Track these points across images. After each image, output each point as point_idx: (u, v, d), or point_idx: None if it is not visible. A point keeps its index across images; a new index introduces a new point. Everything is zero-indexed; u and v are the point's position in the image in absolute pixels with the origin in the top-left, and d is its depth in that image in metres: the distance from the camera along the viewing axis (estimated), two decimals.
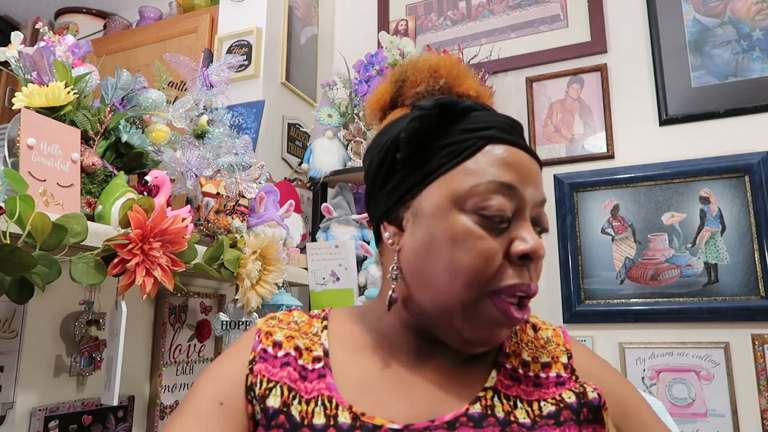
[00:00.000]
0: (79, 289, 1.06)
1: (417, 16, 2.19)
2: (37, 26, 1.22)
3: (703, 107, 1.73)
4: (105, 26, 2.76)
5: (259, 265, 1.23)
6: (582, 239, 1.78)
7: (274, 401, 0.58)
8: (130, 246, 0.90)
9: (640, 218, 1.73)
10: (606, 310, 1.70)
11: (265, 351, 0.64)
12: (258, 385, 0.60)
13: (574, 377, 0.63)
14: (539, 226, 0.61)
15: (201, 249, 1.11)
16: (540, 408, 0.58)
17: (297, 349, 0.64)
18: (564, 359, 0.64)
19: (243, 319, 1.24)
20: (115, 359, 0.96)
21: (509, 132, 0.61)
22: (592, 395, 0.59)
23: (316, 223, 1.77)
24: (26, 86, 1.01)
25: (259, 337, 0.66)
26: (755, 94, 1.67)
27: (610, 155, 1.81)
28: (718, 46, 1.75)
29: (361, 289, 1.51)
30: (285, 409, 0.58)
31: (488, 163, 0.58)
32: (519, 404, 0.59)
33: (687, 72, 1.76)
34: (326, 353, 0.63)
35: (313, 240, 1.72)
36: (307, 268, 1.55)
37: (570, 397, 0.59)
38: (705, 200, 1.67)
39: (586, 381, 0.62)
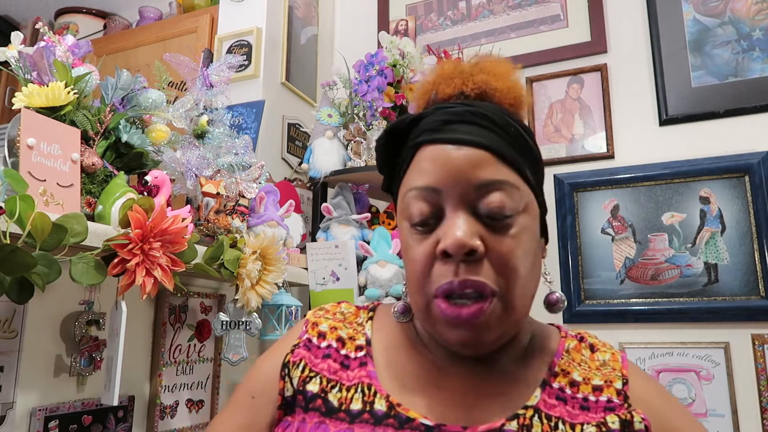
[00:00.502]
0: (79, 289, 1.05)
1: (417, 16, 2.19)
2: (37, 26, 1.22)
3: (703, 107, 1.73)
4: (105, 26, 2.76)
5: (259, 265, 1.23)
6: (582, 239, 1.78)
7: (313, 387, 0.62)
8: (130, 246, 0.90)
9: (640, 218, 1.73)
10: (606, 310, 1.70)
11: (309, 341, 0.67)
12: (298, 368, 0.64)
13: (626, 404, 0.59)
14: (487, 214, 0.56)
15: (201, 249, 1.11)
16: (582, 430, 0.56)
17: (339, 339, 0.67)
18: (618, 384, 0.60)
19: (243, 319, 1.24)
20: (115, 359, 0.96)
21: (440, 129, 0.59)
22: (638, 426, 0.56)
23: (316, 223, 1.77)
24: (26, 86, 1.01)
25: (306, 327, 0.69)
26: (755, 94, 1.67)
27: (610, 155, 1.81)
28: (718, 46, 1.75)
29: (361, 289, 1.51)
30: (323, 395, 0.61)
31: (414, 170, 0.60)
32: (561, 426, 0.56)
33: (687, 72, 1.76)
34: (368, 342, 0.66)
35: (313, 240, 1.72)
36: (307, 268, 1.55)
37: (614, 423, 0.56)
38: (705, 200, 1.67)
39: (636, 410, 0.58)
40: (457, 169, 0.57)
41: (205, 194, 1.26)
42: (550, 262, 1.81)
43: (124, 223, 0.92)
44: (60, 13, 2.79)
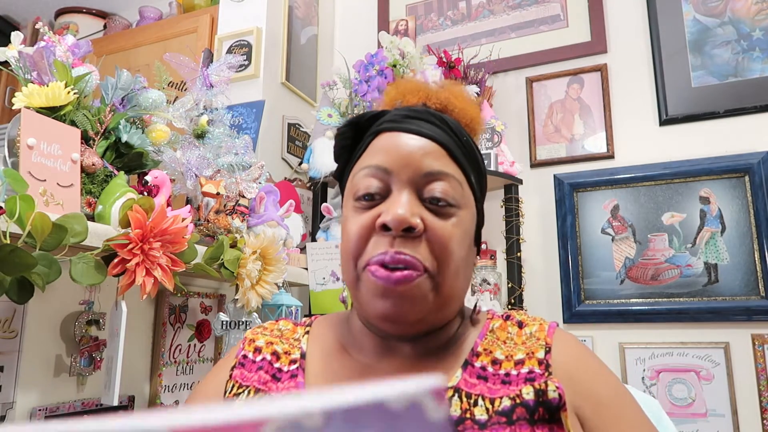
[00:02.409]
0: (79, 289, 1.06)
1: (417, 16, 2.19)
2: (37, 26, 1.22)
3: (703, 107, 1.73)
4: (105, 26, 2.76)
5: (259, 265, 1.23)
6: (582, 239, 1.78)
7: None
8: (130, 246, 0.90)
9: (640, 218, 1.73)
10: (606, 310, 1.70)
11: (245, 357, 0.69)
12: (229, 391, 0.65)
13: (547, 373, 0.58)
14: (430, 198, 0.60)
15: (201, 249, 1.11)
16: (501, 403, 0.56)
17: (274, 353, 0.68)
18: (540, 354, 0.60)
19: (243, 319, 1.24)
20: (115, 359, 0.96)
21: (400, 120, 0.63)
22: (552, 394, 0.55)
23: (316, 223, 1.77)
24: (26, 86, 1.01)
25: (243, 344, 0.71)
26: (755, 94, 1.67)
27: (610, 155, 1.81)
28: (718, 46, 1.75)
29: None
30: None
31: (370, 153, 0.64)
32: (480, 402, 0.56)
33: (687, 72, 1.76)
34: (303, 356, 0.67)
35: (313, 240, 1.72)
36: (307, 268, 1.55)
37: (528, 394, 0.56)
38: (705, 200, 1.67)
39: (551, 378, 0.57)
40: (409, 154, 0.61)
41: (205, 194, 1.26)
42: (551, 261, 1.81)
43: (124, 223, 0.92)
44: (60, 13, 2.78)
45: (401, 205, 0.57)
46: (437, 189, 0.60)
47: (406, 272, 0.56)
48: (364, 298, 0.59)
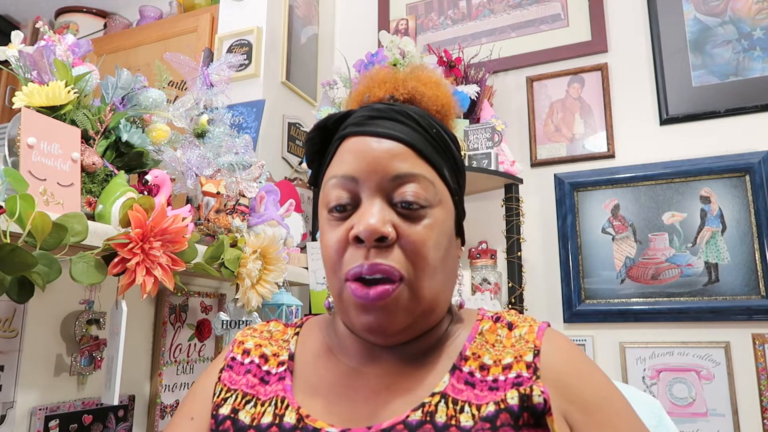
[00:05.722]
0: (80, 288, 1.05)
1: (417, 15, 2.19)
2: (37, 25, 1.22)
3: (703, 107, 1.73)
4: (105, 25, 2.76)
5: (259, 264, 1.23)
6: (582, 239, 1.78)
7: (225, 410, 0.62)
8: (131, 245, 0.89)
9: (640, 218, 1.73)
10: (606, 310, 1.70)
11: (233, 359, 0.68)
12: (217, 394, 0.65)
13: (535, 377, 0.57)
14: (401, 202, 0.59)
15: (201, 248, 1.11)
16: (486, 408, 0.55)
17: (263, 356, 0.68)
18: (529, 357, 0.59)
19: (243, 319, 1.24)
20: (116, 358, 0.96)
21: (364, 123, 0.62)
22: (537, 399, 0.54)
23: (316, 222, 1.77)
24: (26, 85, 1.01)
25: (233, 346, 0.71)
26: (756, 93, 1.67)
27: (610, 155, 1.80)
28: (719, 46, 1.75)
29: None
30: (232, 415, 0.61)
31: (336, 161, 0.63)
32: (467, 408, 0.56)
33: (687, 71, 1.76)
34: (291, 357, 0.67)
35: (314, 239, 1.72)
36: (307, 268, 1.55)
37: (513, 399, 0.55)
38: (705, 200, 1.67)
39: (537, 382, 0.57)
40: (376, 159, 0.59)
41: (205, 193, 1.25)
42: (551, 261, 1.81)
43: (125, 222, 0.92)
44: (60, 12, 2.78)
45: (371, 215, 0.57)
46: (407, 192, 0.59)
47: (381, 288, 0.56)
48: (348, 310, 0.60)
